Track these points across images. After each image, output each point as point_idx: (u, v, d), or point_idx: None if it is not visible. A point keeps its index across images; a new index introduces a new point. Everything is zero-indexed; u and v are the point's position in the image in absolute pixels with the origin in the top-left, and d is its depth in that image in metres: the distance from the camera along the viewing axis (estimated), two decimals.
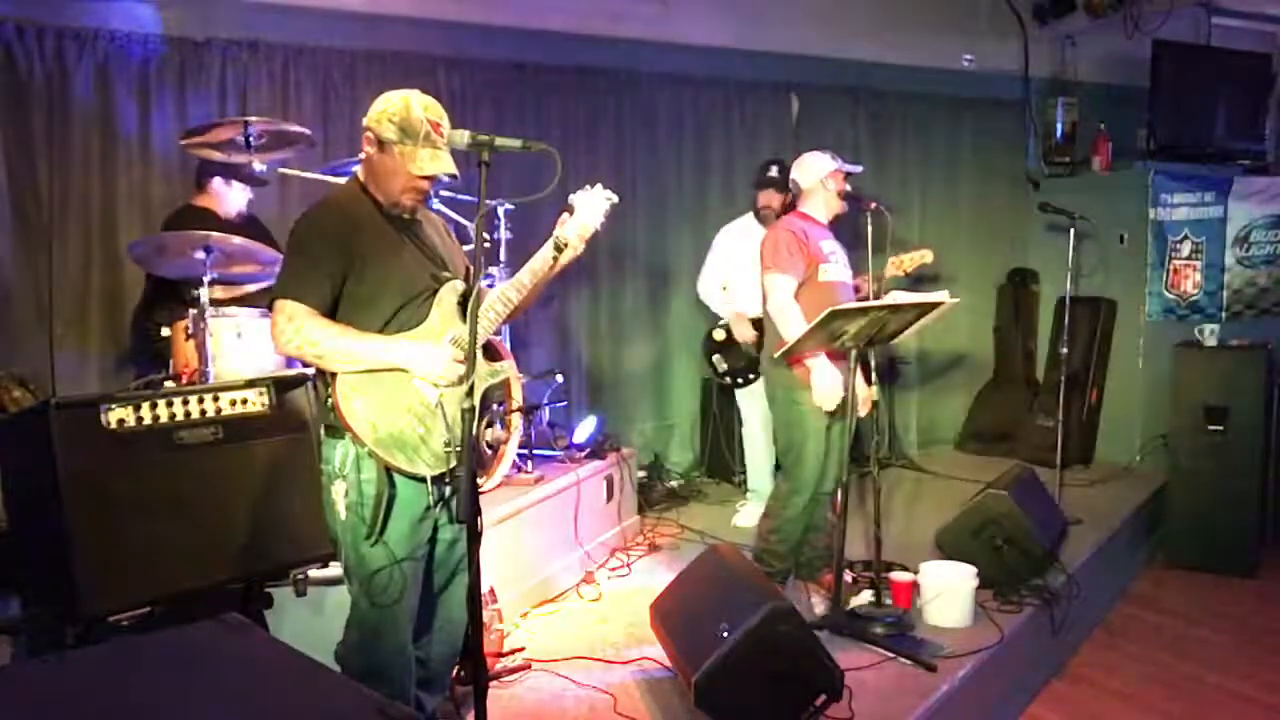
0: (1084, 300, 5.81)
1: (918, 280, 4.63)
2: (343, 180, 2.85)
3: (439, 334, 2.28)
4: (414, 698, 2.42)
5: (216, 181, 3.94)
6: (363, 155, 2.33)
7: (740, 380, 4.74)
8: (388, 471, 2.21)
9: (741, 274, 4.61)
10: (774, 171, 4.59)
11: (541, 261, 2.37)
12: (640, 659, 3.19)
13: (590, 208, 2.40)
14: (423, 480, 2.23)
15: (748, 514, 4.68)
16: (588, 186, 2.43)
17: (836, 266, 3.58)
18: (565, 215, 2.41)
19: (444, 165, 2.25)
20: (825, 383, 3.36)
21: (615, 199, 2.44)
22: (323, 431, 2.30)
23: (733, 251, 4.74)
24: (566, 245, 2.38)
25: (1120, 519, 4.75)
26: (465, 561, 2.36)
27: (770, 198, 4.60)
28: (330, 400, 2.20)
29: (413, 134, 2.21)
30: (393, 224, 2.32)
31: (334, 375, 2.20)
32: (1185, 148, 5.88)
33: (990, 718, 3.26)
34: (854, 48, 5.85)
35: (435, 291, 2.31)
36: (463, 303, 2.33)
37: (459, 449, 2.17)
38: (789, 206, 4.02)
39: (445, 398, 2.23)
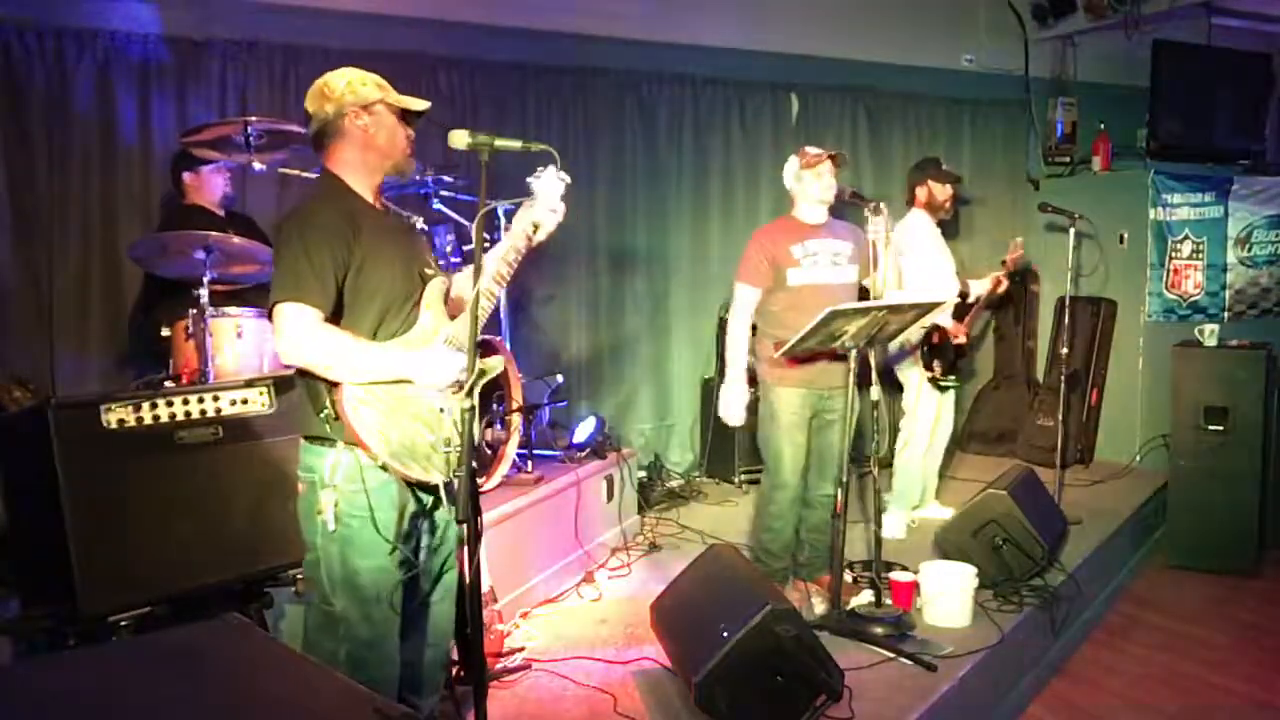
0: (1084, 300, 5.82)
1: None
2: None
3: (432, 335, 2.23)
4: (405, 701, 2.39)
5: (187, 176, 3.98)
6: (337, 144, 2.23)
7: (955, 377, 4.57)
8: (405, 482, 2.16)
9: (919, 268, 4.45)
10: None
11: (516, 253, 2.32)
12: (640, 659, 3.19)
13: (550, 191, 2.33)
14: (422, 486, 2.20)
15: (892, 524, 4.43)
16: (539, 170, 2.34)
17: (812, 269, 3.60)
18: (527, 201, 2.33)
19: (422, 100, 2.30)
20: (727, 398, 3.67)
21: (568, 179, 2.34)
22: (303, 439, 2.20)
23: (904, 246, 4.45)
24: (538, 228, 2.32)
25: (1120, 519, 4.75)
26: (447, 565, 2.37)
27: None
28: (327, 411, 2.11)
29: (385, 85, 2.26)
30: (378, 219, 2.26)
31: (336, 385, 2.10)
32: (1185, 148, 5.88)
33: (990, 718, 3.26)
34: (854, 48, 5.85)
35: (422, 291, 2.27)
36: (457, 301, 2.29)
37: (458, 449, 2.16)
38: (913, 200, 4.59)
39: (448, 402, 2.19)
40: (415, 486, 2.22)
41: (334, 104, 2.21)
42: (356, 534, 2.14)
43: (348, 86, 2.21)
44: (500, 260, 2.32)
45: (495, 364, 2.35)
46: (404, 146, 2.28)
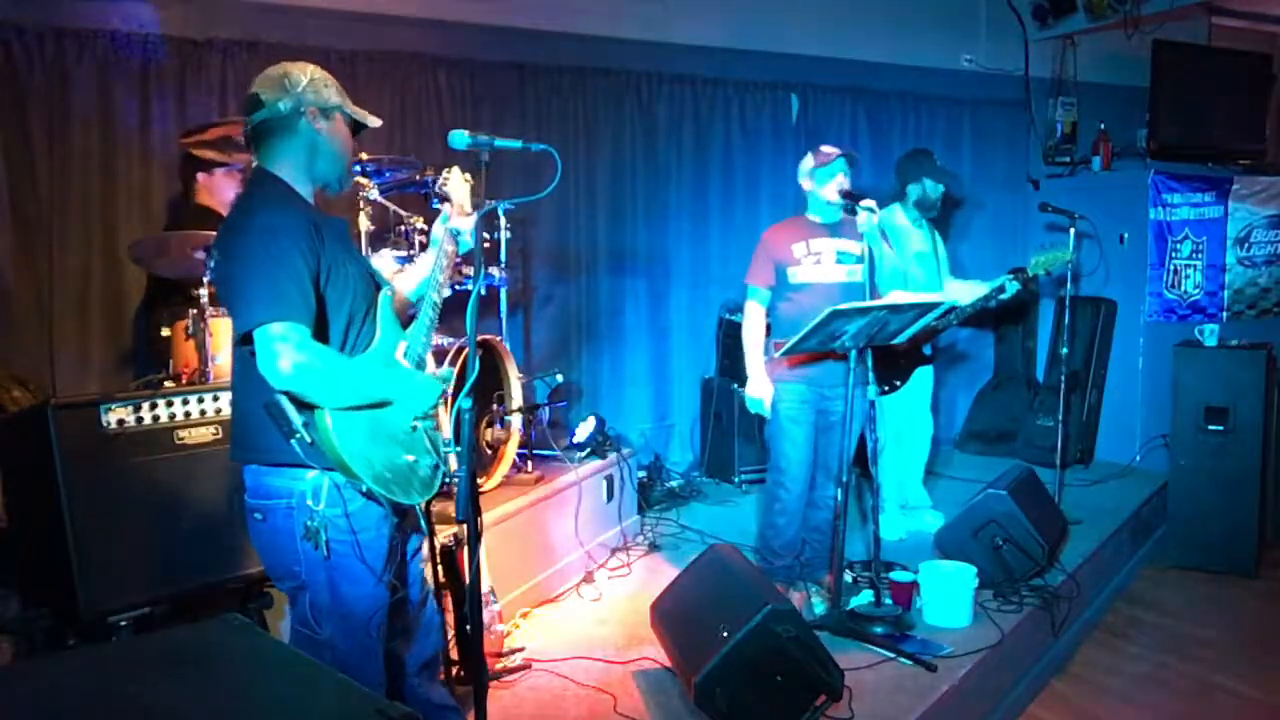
0: (1084, 300, 5.82)
1: None
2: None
3: (393, 349, 2.12)
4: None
5: (201, 176, 3.98)
6: (282, 142, 2.07)
7: (887, 387, 4.33)
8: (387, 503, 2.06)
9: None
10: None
11: (448, 257, 2.29)
12: (640, 659, 3.19)
13: (461, 190, 2.35)
14: (400, 507, 2.12)
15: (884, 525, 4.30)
16: (445, 173, 2.37)
17: (814, 268, 3.61)
18: (448, 205, 2.32)
19: (375, 117, 2.22)
20: (749, 390, 3.69)
21: (471, 179, 2.36)
22: (255, 464, 2.04)
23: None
24: (459, 232, 2.31)
25: (1120, 519, 4.75)
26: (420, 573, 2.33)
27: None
28: (300, 435, 1.93)
29: (344, 92, 2.13)
30: (331, 225, 2.09)
31: (313, 408, 1.94)
32: (1185, 148, 5.88)
33: (990, 718, 3.26)
34: (854, 48, 5.85)
35: (376, 301, 2.15)
36: (400, 311, 2.23)
37: (434, 467, 2.12)
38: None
39: (419, 420, 2.13)
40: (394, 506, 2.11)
41: (292, 98, 2.05)
42: (345, 560, 2.03)
43: (310, 84, 2.07)
44: (431, 278, 2.27)
45: (448, 375, 2.26)
46: (349, 162, 2.17)
